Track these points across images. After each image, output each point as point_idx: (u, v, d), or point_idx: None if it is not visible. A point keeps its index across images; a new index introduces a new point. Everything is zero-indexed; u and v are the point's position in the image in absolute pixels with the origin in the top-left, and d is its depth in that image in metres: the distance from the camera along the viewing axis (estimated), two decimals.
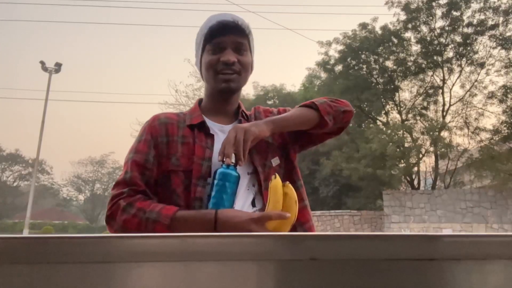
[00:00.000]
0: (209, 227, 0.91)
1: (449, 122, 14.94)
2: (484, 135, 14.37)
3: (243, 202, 1.04)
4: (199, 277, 0.42)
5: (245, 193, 1.05)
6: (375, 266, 0.43)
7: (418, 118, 15.71)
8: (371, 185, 15.28)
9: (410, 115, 16.07)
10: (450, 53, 15.14)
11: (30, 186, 18.00)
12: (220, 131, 1.13)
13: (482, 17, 14.23)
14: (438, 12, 14.75)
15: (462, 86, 15.16)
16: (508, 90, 13.71)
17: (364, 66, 16.33)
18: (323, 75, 17.83)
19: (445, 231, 12.40)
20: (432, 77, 15.65)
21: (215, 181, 0.98)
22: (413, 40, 15.49)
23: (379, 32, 15.59)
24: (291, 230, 0.97)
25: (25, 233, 13.80)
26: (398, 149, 14.13)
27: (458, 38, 14.76)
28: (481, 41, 14.52)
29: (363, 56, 15.94)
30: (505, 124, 13.68)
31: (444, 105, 15.28)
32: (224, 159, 0.97)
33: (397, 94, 16.30)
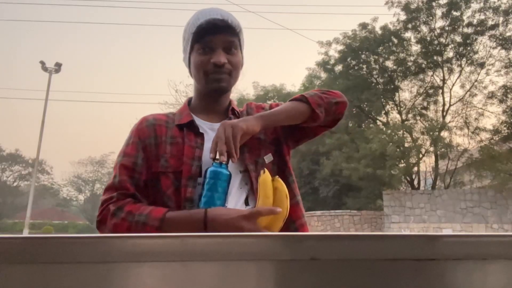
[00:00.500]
0: (199, 226, 0.90)
1: (449, 122, 14.95)
2: (484, 135, 14.39)
3: (236, 201, 1.02)
4: (199, 277, 0.42)
5: (237, 192, 1.04)
6: (375, 266, 0.43)
7: (418, 118, 15.72)
8: (371, 185, 15.29)
9: (410, 115, 16.08)
10: (450, 53, 15.15)
11: (30, 186, 18.00)
12: (210, 130, 1.11)
13: (482, 17, 14.25)
14: (438, 12, 14.77)
15: (462, 86, 15.18)
16: (508, 90, 13.72)
17: (364, 66, 16.34)
18: (323, 75, 17.85)
19: (445, 231, 12.40)
20: (432, 77, 15.66)
21: (206, 180, 0.97)
22: (413, 40, 15.51)
23: (379, 32, 15.60)
24: (284, 226, 0.95)
25: (25, 233, 13.80)
26: (398, 149, 14.14)
27: (458, 38, 14.77)
28: (481, 41, 14.54)
29: (363, 56, 15.95)
30: (505, 124, 13.69)
31: (444, 105, 15.29)
32: (218, 157, 0.95)
33: (397, 94, 16.31)
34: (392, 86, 16.15)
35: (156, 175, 1.04)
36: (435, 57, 15.05)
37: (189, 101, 1.21)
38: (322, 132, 1.21)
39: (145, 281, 0.42)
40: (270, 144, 1.13)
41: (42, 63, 17.10)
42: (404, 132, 14.84)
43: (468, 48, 14.67)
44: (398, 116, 16.34)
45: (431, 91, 15.77)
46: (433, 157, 15.06)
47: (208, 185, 0.96)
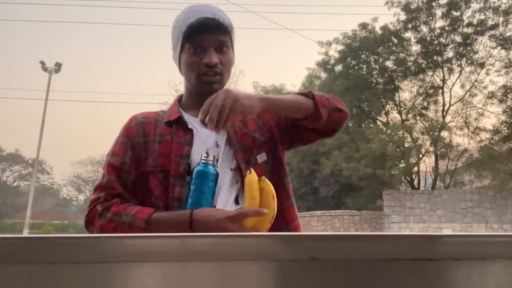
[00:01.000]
0: (184, 228, 0.89)
1: (449, 122, 14.95)
2: (484, 135, 14.39)
3: (226, 200, 1.00)
4: (199, 277, 0.42)
5: (228, 190, 1.01)
6: (375, 266, 0.43)
7: (418, 118, 15.72)
8: (371, 185, 15.28)
9: (410, 115, 16.08)
10: (450, 53, 15.16)
11: (30, 186, 18.00)
12: (200, 126, 1.07)
13: (482, 17, 14.25)
14: (438, 12, 14.77)
15: (462, 86, 15.19)
16: (508, 90, 13.72)
17: (364, 66, 16.34)
18: (323, 75, 17.85)
19: (445, 231, 12.40)
20: (432, 77, 15.66)
21: (193, 180, 0.95)
22: (413, 40, 15.51)
23: (379, 32, 15.60)
24: (277, 228, 0.93)
25: (25, 233, 13.80)
26: (398, 149, 14.14)
27: (458, 38, 14.77)
28: (481, 41, 14.54)
29: (363, 56, 15.95)
30: (505, 124, 13.68)
31: (444, 105, 15.29)
32: (206, 121, 0.90)
33: (397, 94, 16.31)
34: (392, 86, 16.15)
35: (144, 174, 1.02)
36: (435, 57, 15.05)
37: (180, 98, 1.19)
38: (317, 140, 1.17)
39: (145, 281, 0.42)
40: (264, 143, 1.10)
41: (42, 63, 17.10)
42: (404, 132, 14.84)
43: (468, 48, 14.67)
44: (398, 116, 16.35)
45: (431, 91, 15.77)
46: (433, 157, 15.07)
47: (195, 185, 0.95)
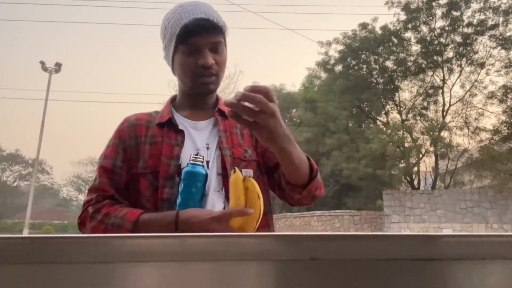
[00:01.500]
0: (170, 229, 0.89)
1: (449, 122, 14.96)
2: (484, 135, 14.40)
3: (214, 201, 1.00)
4: (199, 277, 0.42)
5: (215, 193, 1.01)
6: (375, 266, 0.43)
7: (418, 118, 15.73)
8: (371, 185, 15.29)
9: (410, 115, 16.08)
10: (450, 53, 15.16)
11: (30, 186, 18.00)
12: (192, 128, 1.08)
13: (482, 17, 14.26)
14: (438, 12, 14.78)
15: (462, 86, 15.19)
16: (508, 90, 13.72)
17: (364, 66, 16.35)
18: (323, 75, 17.87)
19: (445, 231, 12.40)
20: (432, 77, 15.67)
21: (181, 181, 0.94)
22: (413, 40, 15.51)
23: (379, 32, 15.61)
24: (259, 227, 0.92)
25: (25, 233, 13.80)
26: (398, 149, 14.14)
27: (458, 38, 14.78)
28: (481, 41, 14.55)
29: (363, 56, 15.96)
30: (505, 124, 13.69)
31: (444, 105, 15.29)
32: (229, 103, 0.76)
33: (397, 94, 16.32)
34: (392, 86, 16.16)
35: (135, 176, 1.02)
36: (435, 57, 15.05)
37: (174, 98, 1.18)
38: (275, 193, 1.11)
39: (145, 281, 0.42)
40: (254, 161, 1.07)
41: (42, 63, 17.11)
42: (404, 132, 14.84)
43: (468, 48, 14.67)
44: (398, 116, 16.36)
45: (431, 91, 15.78)
46: (433, 157, 15.08)
47: (183, 186, 0.94)
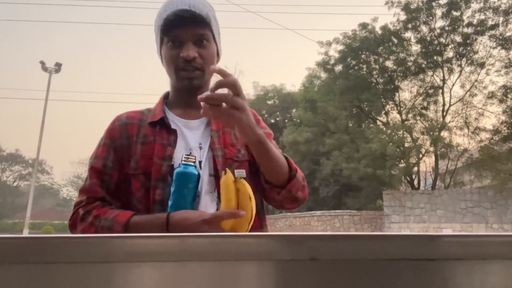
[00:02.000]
0: (161, 231, 0.87)
1: (449, 122, 14.96)
2: (484, 135, 14.39)
3: (207, 202, 0.98)
4: (199, 277, 0.42)
5: (208, 194, 0.99)
6: (375, 266, 0.43)
7: (418, 118, 15.72)
8: (371, 185, 15.29)
9: (410, 115, 16.08)
10: (450, 53, 15.16)
11: (30, 186, 18.00)
12: (185, 127, 1.05)
13: (482, 17, 14.26)
14: (438, 12, 14.77)
15: (462, 86, 15.18)
16: (508, 90, 13.72)
17: (364, 66, 16.34)
18: (323, 75, 17.86)
19: (445, 231, 12.40)
20: (432, 77, 15.67)
21: (172, 182, 0.92)
22: (413, 40, 15.51)
23: (379, 32, 15.61)
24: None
25: (25, 233, 13.80)
26: (398, 149, 14.15)
27: (458, 38, 14.77)
28: (481, 41, 14.54)
29: (363, 56, 15.95)
30: (505, 124, 13.68)
31: (444, 105, 15.29)
32: (200, 98, 0.80)
33: (397, 94, 16.32)
34: (392, 86, 16.15)
35: (127, 177, 1.00)
36: (435, 57, 15.05)
37: (166, 95, 1.15)
38: (268, 200, 1.08)
39: (145, 281, 0.42)
40: (247, 162, 1.05)
41: (42, 63, 17.10)
42: (404, 132, 14.84)
43: (468, 48, 14.67)
44: (398, 116, 16.35)
45: (431, 91, 15.77)
46: (433, 157, 15.07)
47: (174, 187, 0.92)
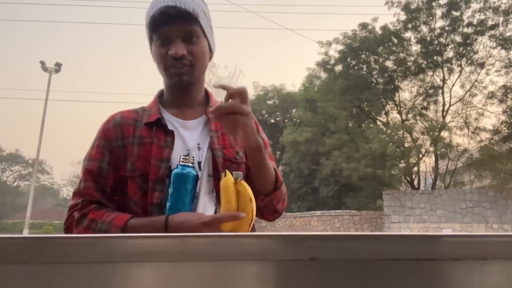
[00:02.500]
0: None
1: (449, 122, 14.95)
2: (484, 135, 14.39)
3: (205, 204, 0.97)
4: (199, 277, 0.42)
5: (207, 195, 0.98)
6: (375, 266, 0.43)
7: (418, 118, 15.72)
8: (371, 185, 15.29)
9: (410, 115, 16.08)
10: (450, 53, 15.16)
11: (30, 186, 18.00)
12: (182, 127, 1.03)
13: (482, 17, 14.25)
14: (438, 12, 14.77)
15: (462, 86, 15.18)
16: (508, 90, 13.72)
17: (364, 66, 16.34)
18: (323, 75, 17.85)
19: (445, 231, 12.40)
20: (432, 77, 15.66)
21: (171, 184, 0.91)
22: (413, 40, 15.51)
23: (379, 32, 15.61)
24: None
25: (25, 233, 13.80)
26: (398, 149, 14.14)
27: (458, 38, 14.77)
28: (481, 41, 14.54)
29: (363, 56, 15.95)
30: (505, 124, 13.69)
31: (444, 105, 15.29)
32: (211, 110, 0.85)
33: (397, 94, 16.31)
34: (392, 86, 16.15)
35: (123, 179, 0.97)
36: (435, 57, 15.04)
37: (161, 93, 1.12)
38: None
39: (145, 281, 0.42)
40: (243, 164, 1.05)
41: (42, 63, 17.10)
42: (404, 132, 14.84)
43: (468, 48, 14.67)
44: (398, 116, 16.35)
45: (431, 91, 15.77)
46: (433, 157, 15.07)
47: (172, 189, 0.91)
